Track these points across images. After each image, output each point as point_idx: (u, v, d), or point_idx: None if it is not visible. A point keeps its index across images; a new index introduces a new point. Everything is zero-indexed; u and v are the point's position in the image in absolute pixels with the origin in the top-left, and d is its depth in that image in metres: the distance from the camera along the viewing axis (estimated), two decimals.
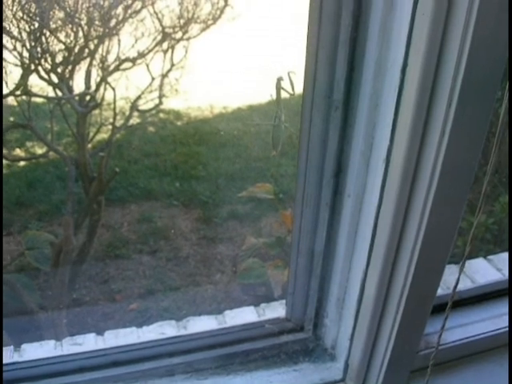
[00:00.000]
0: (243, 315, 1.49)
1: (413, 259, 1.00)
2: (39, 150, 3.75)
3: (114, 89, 3.01)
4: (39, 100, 3.24)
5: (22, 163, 3.93)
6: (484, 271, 1.72)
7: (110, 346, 1.28)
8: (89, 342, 1.43)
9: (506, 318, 1.37)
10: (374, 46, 0.93)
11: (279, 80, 1.18)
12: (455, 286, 1.02)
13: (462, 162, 0.88)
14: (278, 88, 1.16)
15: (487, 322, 1.38)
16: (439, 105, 0.83)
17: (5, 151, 3.31)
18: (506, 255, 1.85)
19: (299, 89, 1.09)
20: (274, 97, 1.20)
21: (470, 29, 0.75)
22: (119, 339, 1.45)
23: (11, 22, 2.63)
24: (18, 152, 3.85)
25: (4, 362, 1.25)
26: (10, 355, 1.33)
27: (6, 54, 2.72)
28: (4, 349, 1.37)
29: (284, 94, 1.20)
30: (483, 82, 0.81)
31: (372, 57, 0.94)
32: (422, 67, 0.81)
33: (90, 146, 3.26)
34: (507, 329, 1.34)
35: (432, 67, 0.81)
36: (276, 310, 1.45)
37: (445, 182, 0.88)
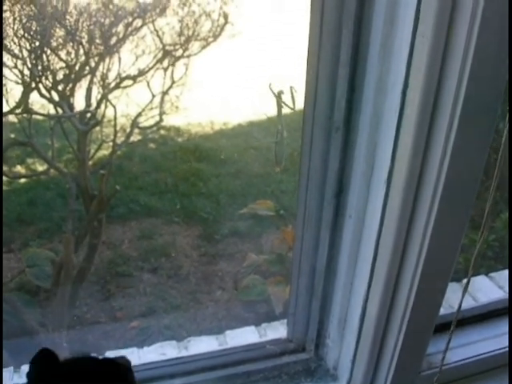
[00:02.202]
0: (244, 335, 1.48)
1: (415, 279, 0.99)
2: (40, 167, 3.74)
3: (114, 106, 3.01)
4: (40, 117, 3.24)
5: (22, 180, 3.92)
6: (486, 289, 1.70)
7: None
8: None
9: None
10: (374, 67, 0.93)
11: (280, 94, 1.17)
12: (459, 308, 1.01)
13: (464, 182, 0.88)
14: (279, 103, 1.15)
15: (490, 341, 1.37)
16: (440, 126, 0.82)
17: (5, 168, 3.31)
18: (507, 272, 1.84)
19: (299, 104, 1.09)
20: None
21: (471, 51, 0.75)
22: None
23: (12, 40, 2.63)
24: (19, 169, 3.84)
25: None
26: (9, 377, 1.32)
27: (6, 71, 2.73)
28: (4, 370, 1.36)
29: (284, 110, 1.20)
30: (484, 102, 0.81)
31: (373, 77, 0.94)
32: (423, 88, 0.81)
33: (90, 163, 3.26)
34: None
35: (433, 88, 0.81)
36: (277, 330, 1.44)
37: (447, 202, 0.88)
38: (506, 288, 1.71)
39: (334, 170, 1.08)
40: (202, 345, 1.42)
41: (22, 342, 2.68)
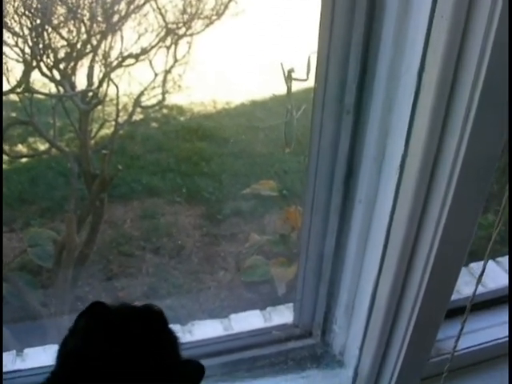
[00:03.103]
0: (249, 320, 1.46)
1: (427, 267, 0.97)
2: (41, 146, 3.71)
3: (116, 85, 2.97)
4: (41, 96, 3.21)
5: (24, 159, 3.90)
6: (493, 274, 1.68)
7: None
8: None
9: None
10: (388, 48, 0.90)
11: (290, 72, 1.13)
12: (474, 294, 0.99)
13: (480, 170, 0.85)
14: (289, 82, 1.11)
15: (498, 327, 1.36)
16: (457, 111, 0.79)
17: (6, 147, 3.29)
18: None
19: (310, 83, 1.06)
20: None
21: (492, 32, 0.72)
22: None
23: (12, 17, 2.59)
24: (20, 148, 3.82)
25: (7, 369, 1.23)
26: (12, 360, 1.31)
27: (7, 50, 2.69)
28: (6, 354, 1.35)
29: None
30: (504, 85, 0.77)
31: (385, 60, 0.91)
32: (440, 71, 0.78)
33: (92, 142, 3.23)
34: None
35: (450, 72, 0.78)
36: (283, 315, 1.43)
37: (462, 190, 0.85)
38: None
39: (344, 153, 1.05)
40: (207, 329, 1.41)
41: (25, 325, 2.68)
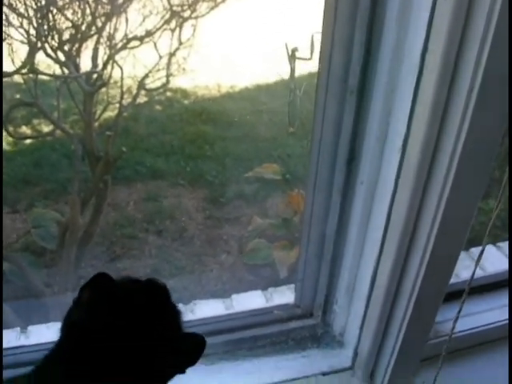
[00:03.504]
0: (251, 300, 1.48)
1: (427, 249, 0.98)
2: (45, 128, 3.72)
3: (121, 67, 2.97)
4: (46, 78, 3.21)
5: (28, 141, 3.90)
6: (493, 259, 1.69)
7: None
8: None
9: None
10: (391, 29, 0.91)
11: (294, 51, 1.14)
12: (472, 277, 1.00)
13: (482, 151, 0.85)
14: (293, 60, 1.12)
15: (497, 311, 1.37)
16: (460, 92, 0.80)
17: (11, 129, 3.29)
18: None
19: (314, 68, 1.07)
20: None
21: (496, 11, 0.72)
22: None
23: None
24: (25, 130, 3.83)
25: (11, 345, 1.25)
26: (16, 337, 1.32)
27: (12, 31, 2.69)
28: (10, 330, 1.36)
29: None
30: (507, 67, 0.78)
31: (389, 41, 0.92)
32: (444, 52, 0.79)
33: (96, 124, 3.24)
34: None
35: (454, 52, 0.78)
36: (284, 295, 1.44)
37: (463, 171, 0.86)
38: None
39: (347, 134, 1.06)
40: (208, 308, 1.42)
41: (29, 303, 2.69)
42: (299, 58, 1.10)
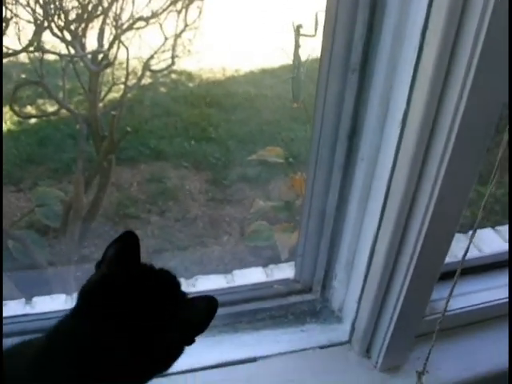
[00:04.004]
0: (252, 275, 1.50)
1: (424, 224, 1.00)
2: (50, 108, 3.74)
3: (127, 48, 2.99)
4: (51, 58, 3.23)
5: (32, 120, 3.92)
6: (491, 241, 1.72)
7: None
8: None
9: None
10: (393, 8, 0.93)
11: (298, 27, 1.17)
12: (464, 255, 1.03)
13: (479, 126, 0.88)
14: (297, 35, 1.15)
15: (492, 291, 1.39)
16: (458, 67, 0.82)
17: (16, 108, 3.31)
18: None
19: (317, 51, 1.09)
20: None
21: None
22: None
23: None
24: (29, 109, 3.85)
25: (16, 313, 1.28)
26: (21, 307, 1.35)
27: (19, 9, 2.71)
28: (15, 301, 1.39)
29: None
30: (504, 45, 0.80)
31: (392, 19, 0.94)
32: (443, 30, 0.81)
33: (101, 104, 3.26)
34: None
35: (453, 30, 0.81)
36: (284, 272, 1.46)
37: (460, 146, 0.88)
38: None
39: (349, 111, 1.08)
40: (210, 283, 1.45)
41: (32, 278, 2.72)
42: (303, 35, 1.12)
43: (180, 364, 1.16)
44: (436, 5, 0.82)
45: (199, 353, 1.22)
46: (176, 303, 0.85)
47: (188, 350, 1.16)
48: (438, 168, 0.92)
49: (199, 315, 0.85)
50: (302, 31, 1.14)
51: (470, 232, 1.80)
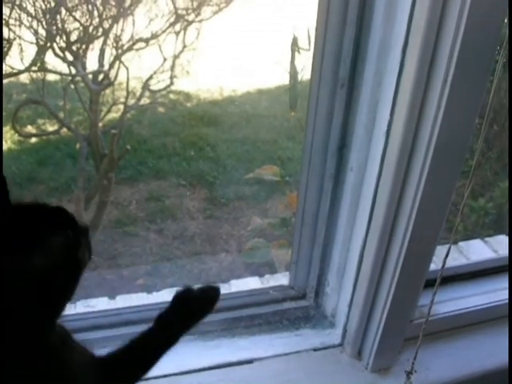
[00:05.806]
0: (248, 284, 1.56)
1: (407, 233, 1.06)
2: (50, 128, 3.80)
3: (127, 68, 3.06)
4: (52, 79, 3.30)
5: (33, 140, 3.98)
6: (480, 251, 1.78)
7: (121, 306, 1.36)
8: (101, 304, 1.50)
9: (499, 293, 1.43)
10: (378, 26, 1.00)
11: (295, 40, 1.24)
12: (445, 258, 1.09)
13: (457, 135, 0.94)
14: (293, 47, 1.22)
15: (478, 296, 1.44)
16: (435, 81, 0.89)
17: (17, 127, 3.37)
18: (503, 237, 1.91)
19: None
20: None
21: (466, 7, 0.82)
22: (130, 302, 1.51)
23: None
24: (30, 129, 3.90)
25: None
26: None
27: (22, 31, 2.78)
28: None
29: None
30: (476, 61, 0.87)
31: (377, 36, 1.01)
32: (421, 45, 0.88)
33: (101, 124, 3.32)
34: (497, 303, 1.41)
35: (430, 46, 0.88)
36: (279, 281, 1.52)
37: (440, 153, 0.95)
38: (500, 251, 1.78)
39: (338, 124, 1.14)
40: None
41: None
42: (300, 48, 1.19)
43: (179, 366, 1.23)
44: (415, 23, 0.89)
45: (198, 355, 1.27)
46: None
47: (187, 353, 1.22)
48: (420, 174, 0.98)
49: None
50: (298, 43, 1.22)
51: (460, 243, 1.87)
